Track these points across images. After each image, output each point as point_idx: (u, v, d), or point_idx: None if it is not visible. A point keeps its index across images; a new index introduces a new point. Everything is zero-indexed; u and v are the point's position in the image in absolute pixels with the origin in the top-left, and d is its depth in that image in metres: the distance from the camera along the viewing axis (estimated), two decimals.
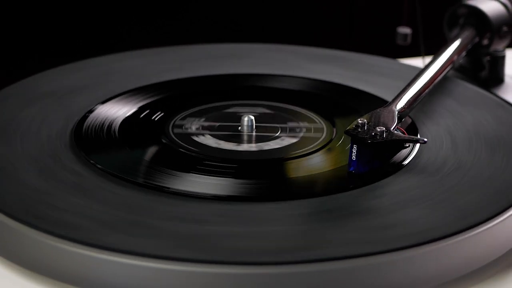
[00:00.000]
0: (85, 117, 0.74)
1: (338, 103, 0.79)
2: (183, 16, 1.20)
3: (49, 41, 1.18)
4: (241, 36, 1.20)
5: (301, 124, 0.75)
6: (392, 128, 0.66)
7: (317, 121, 0.75)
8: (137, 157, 0.68)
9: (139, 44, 1.07)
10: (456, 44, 0.82)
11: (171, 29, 1.21)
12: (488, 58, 0.86)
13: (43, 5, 1.15)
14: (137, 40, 1.19)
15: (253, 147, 0.71)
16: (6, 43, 1.15)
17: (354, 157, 0.65)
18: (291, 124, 0.75)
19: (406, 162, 0.67)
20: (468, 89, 0.81)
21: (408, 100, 0.71)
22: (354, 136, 0.65)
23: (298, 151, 0.70)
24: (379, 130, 0.65)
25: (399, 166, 0.66)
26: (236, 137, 0.72)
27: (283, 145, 0.71)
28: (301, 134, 0.73)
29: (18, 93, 0.80)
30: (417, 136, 0.70)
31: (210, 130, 0.73)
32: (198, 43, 0.95)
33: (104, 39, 1.19)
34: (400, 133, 0.66)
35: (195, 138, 0.72)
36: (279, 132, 0.73)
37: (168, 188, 0.63)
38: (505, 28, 0.85)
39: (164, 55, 0.90)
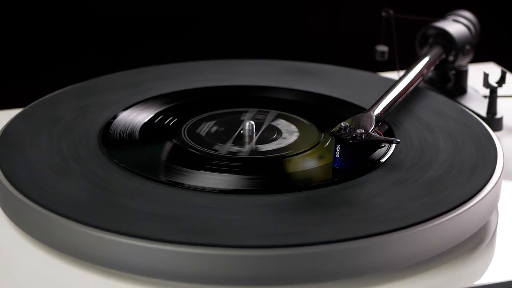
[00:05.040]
0: (109, 123, 0.76)
1: (325, 111, 0.81)
2: (188, 33, 1.19)
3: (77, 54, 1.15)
4: (239, 51, 1.19)
5: (294, 128, 0.77)
6: (370, 131, 0.69)
7: (307, 125, 0.77)
8: (157, 157, 0.70)
9: (146, 53, 1.10)
10: (426, 60, 0.85)
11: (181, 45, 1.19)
12: (453, 72, 0.90)
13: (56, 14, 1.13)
14: (146, 52, 1.18)
15: (253, 147, 0.73)
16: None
17: (338, 155, 0.68)
18: (285, 128, 0.77)
19: (383, 160, 0.69)
20: (436, 98, 0.83)
21: (385, 107, 0.74)
22: (338, 137, 0.68)
23: (291, 151, 0.72)
24: (359, 132, 0.68)
25: (376, 163, 0.69)
26: (239, 139, 0.75)
27: (279, 146, 0.74)
28: (294, 137, 0.75)
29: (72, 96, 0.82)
30: (392, 137, 0.73)
31: (218, 133, 0.75)
32: (203, 57, 0.96)
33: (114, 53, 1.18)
34: (377, 135, 0.69)
35: (205, 139, 0.74)
36: (275, 135, 0.76)
37: (182, 183, 0.66)
38: (467, 47, 0.89)
39: (185, 69, 0.91)
